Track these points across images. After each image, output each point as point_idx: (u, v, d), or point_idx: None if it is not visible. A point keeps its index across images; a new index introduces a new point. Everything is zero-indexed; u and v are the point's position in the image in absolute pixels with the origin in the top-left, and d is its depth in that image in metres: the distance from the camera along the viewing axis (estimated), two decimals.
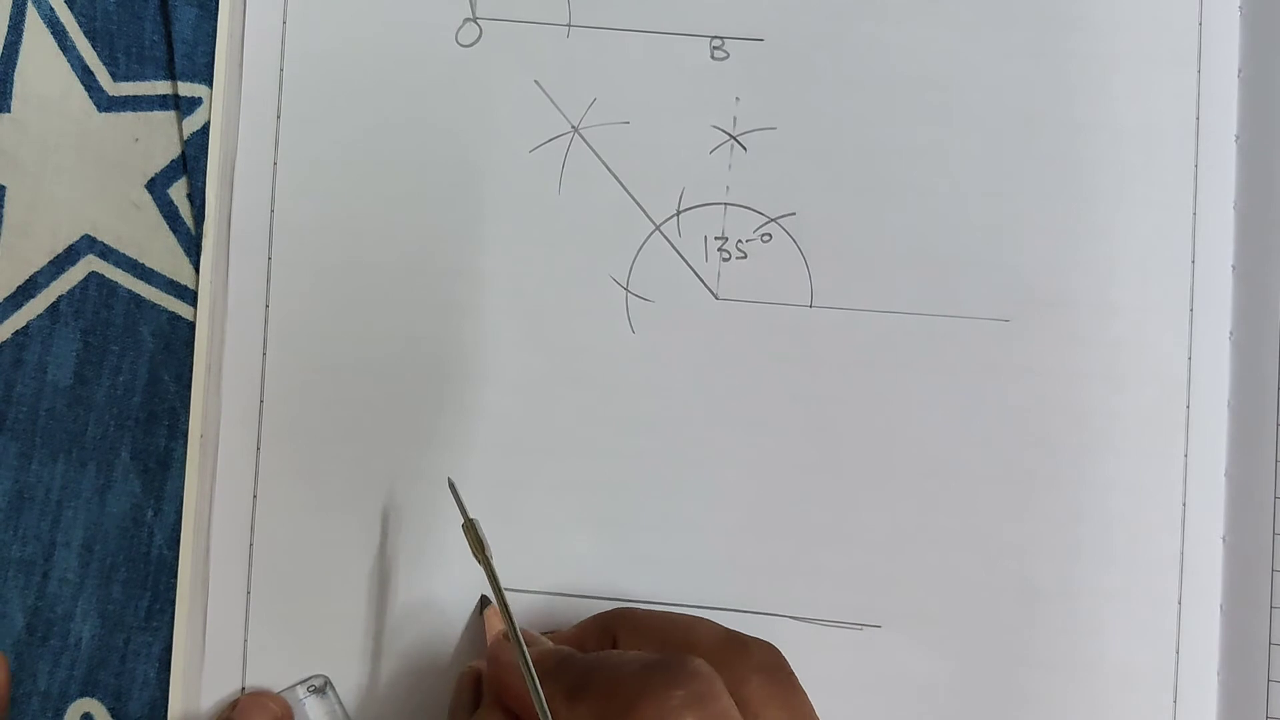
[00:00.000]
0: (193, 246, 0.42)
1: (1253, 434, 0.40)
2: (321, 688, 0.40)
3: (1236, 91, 0.41)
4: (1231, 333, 0.40)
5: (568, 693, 0.30)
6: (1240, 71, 0.41)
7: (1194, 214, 0.41)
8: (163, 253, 0.42)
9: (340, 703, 0.40)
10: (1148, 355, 0.40)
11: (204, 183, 0.41)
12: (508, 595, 0.35)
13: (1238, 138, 0.41)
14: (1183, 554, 0.40)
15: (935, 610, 0.40)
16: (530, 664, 0.31)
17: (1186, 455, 0.40)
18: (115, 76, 0.42)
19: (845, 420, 0.40)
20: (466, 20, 0.41)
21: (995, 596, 0.40)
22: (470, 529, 0.36)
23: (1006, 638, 0.40)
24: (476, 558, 0.35)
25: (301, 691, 0.40)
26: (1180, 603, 0.40)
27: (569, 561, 0.40)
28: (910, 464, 0.40)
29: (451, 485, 0.37)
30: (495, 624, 0.39)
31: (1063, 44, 0.41)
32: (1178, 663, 0.40)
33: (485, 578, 0.35)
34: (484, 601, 0.40)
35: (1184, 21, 0.41)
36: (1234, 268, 0.41)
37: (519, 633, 0.32)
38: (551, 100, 0.41)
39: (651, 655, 0.31)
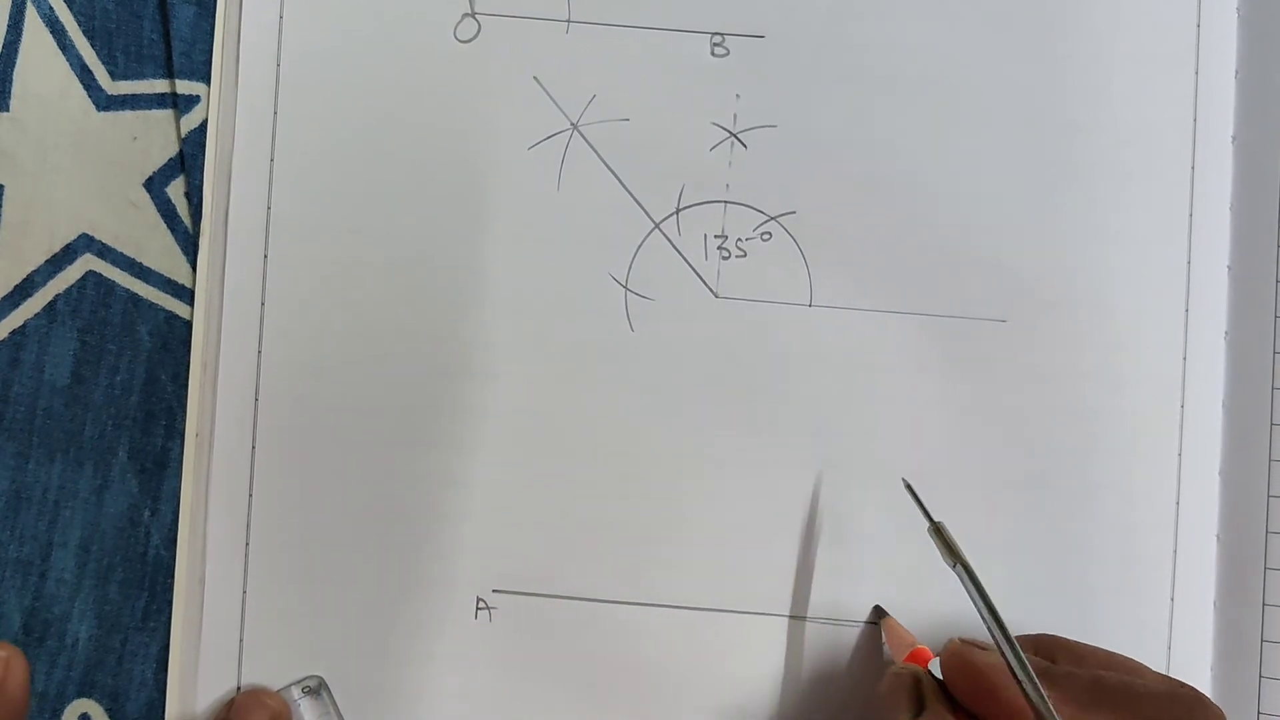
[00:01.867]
0: (190, 245, 0.42)
1: (1247, 433, 0.40)
2: (316, 689, 0.40)
3: (1234, 93, 0.41)
4: (1227, 333, 0.41)
5: (1078, 700, 0.31)
6: (1237, 73, 0.41)
7: (1190, 215, 0.41)
8: (160, 252, 0.42)
9: (334, 704, 0.40)
10: (1143, 355, 0.41)
11: (201, 180, 0.41)
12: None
13: (1234, 139, 0.41)
14: (1175, 552, 0.40)
15: (931, 608, 0.40)
16: (1031, 669, 0.31)
17: (1180, 454, 0.40)
18: (114, 75, 0.42)
19: (843, 419, 0.41)
20: (465, 16, 0.41)
21: (991, 595, 0.40)
22: (938, 532, 0.36)
23: None
24: (949, 562, 0.35)
25: (296, 692, 0.40)
26: (1173, 600, 0.40)
27: (567, 561, 0.40)
28: (906, 463, 0.40)
29: (909, 487, 0.38)
30: (899, 634, 0.39)
31: (1062, 44, 0.41)
32: (1169, 659, 0.40)
33: (961, 583, 0.34)
34: (879, 612, 0.40)
35: (1182, 23, 0.41)
36: (1229, 268, 0.41)
37: (1011, 636, 0.32)
38: (550, 97, 0.41)
39: (1173, 682, 0.32)
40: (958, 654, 0.34)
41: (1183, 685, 0.32)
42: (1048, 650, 0.35)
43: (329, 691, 0.40)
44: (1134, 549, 0.40)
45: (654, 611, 0.40)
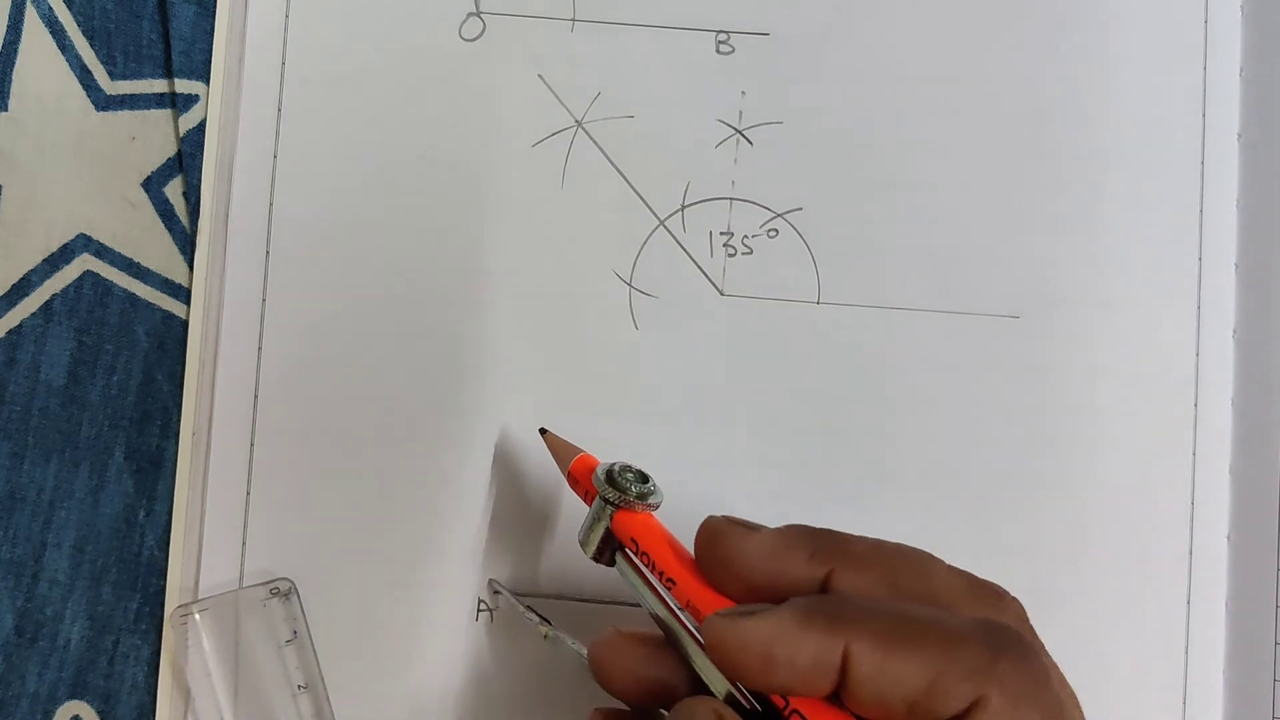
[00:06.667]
0: (188, 245, 0.41)
1: (1257, 432, 0.40)
2: (286, 592, 0.39)
3: (1239, 90, 0.41)
4: (1235, 330, 0.40)
5: (881, 644, 0.26)
6: (1242, 70, 0.41)
7: (1200, 211, 0.41)
8: (158, 251, 0.41)
9: (303, 610, 0.39)
10: (1156, 352, 0.40)
11: (199, 179, 0.41)
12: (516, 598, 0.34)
13: (1240, 135, 0.41)
14: (1191, 553, 0.40)
15: None
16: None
17: (1194, 453, 0.40)
18: (113, 75, 0.42)
19: (852, 418, 0.40)
20: (470, 15, 0.41)
21: None
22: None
23: None
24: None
25: (264, 593, 0.39)
26: (1189, 602, 0.40)
27: (569, 562, 0.40)
28: (918, 462, 0.40)
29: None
30: (561, 447, 0.37)
31: (1070, 39, 0.41)
32: (1187, 663, 0.39)
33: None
34: (542, 432, 0.38)
35: (1190, 18, 0.41)
36: (1236, 266, 0.41)
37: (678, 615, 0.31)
38: (555, 95, 0.41)
39: (987, 620, 0.27)
40: (708, 528, 0.31)
41: (995, 623, 0.27)
42: (825, 557, 0.29)
43: (299, 596, 0.39)
44: (1148, 549, 0.40)
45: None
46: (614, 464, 0.34)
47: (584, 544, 0.34)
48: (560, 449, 0.37)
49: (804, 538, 0.30)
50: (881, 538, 0.30)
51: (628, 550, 0.33)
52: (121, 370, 0.41)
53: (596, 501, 0.34)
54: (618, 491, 0.33)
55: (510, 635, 0.40)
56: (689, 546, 0.32)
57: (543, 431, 0.38)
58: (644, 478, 0.34)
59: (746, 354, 0.40)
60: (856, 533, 0.30)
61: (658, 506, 0.33)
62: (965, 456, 0.40)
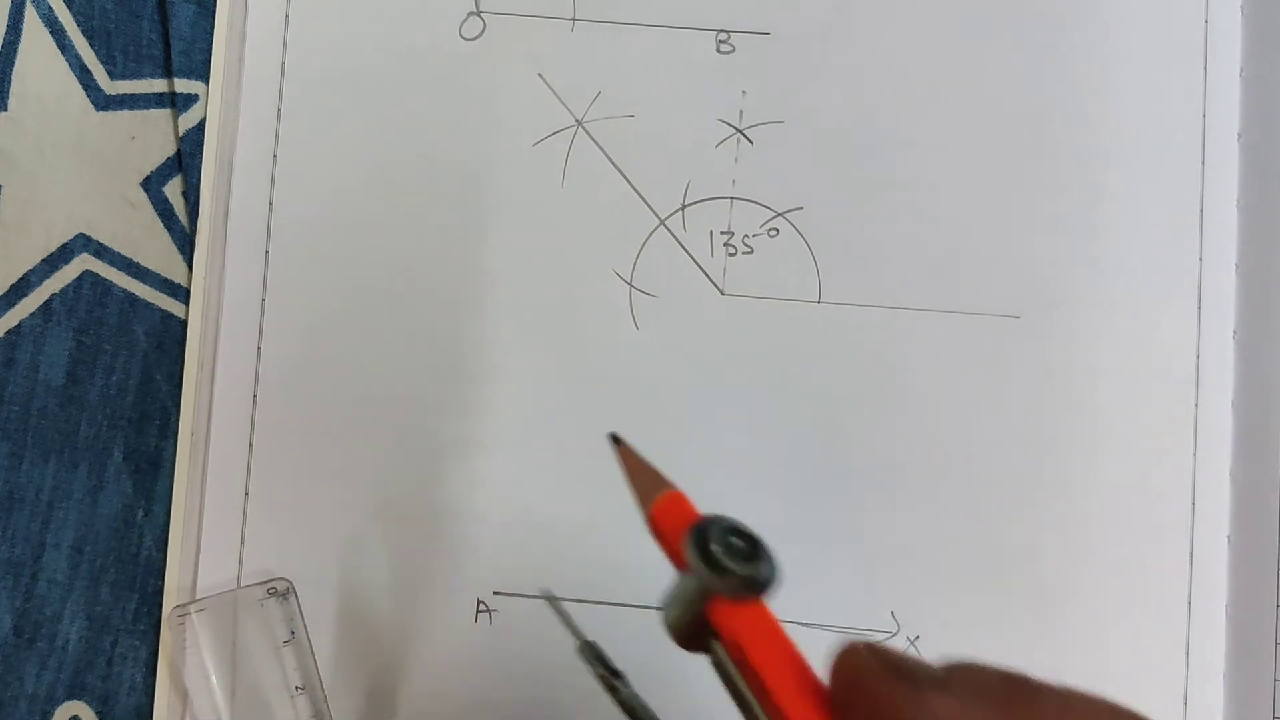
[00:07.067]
0: (187, 245, 0.41)
1: (1257, 433, 0.40)
2: (284, 592, 0.39)
3: (1239, 89, 0.41)
4: (1235, 330, 0.40)
5: None
6: (1242, 70, 0.41)
7: (1200, 211, 0.41)
8: (157, 251, 0.41)
9: (301, 610, 0.39)
10: (1156, 352, 0.40)
11: (199, 179, 0.41)
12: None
13: (1240, 136, 0.41)
14: (1191, 554, 0.40)
15: (944, 612, 0.39)
16: None
17: (1195, 454, 0.40)
18: (113, 75, 0.42)
19: (853, 418, 0.40)
20: (470, 14, 0.41)
21: (1004, 598, 0.39)
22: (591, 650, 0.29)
23: (1015, 640, 0.39)
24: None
25: (262, 593, 0.39)
26: (1189, 603, 0.39)
27: (569, 564, 0.40)
28: (919, 462, 0.40)
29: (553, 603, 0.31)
30: (643, 469, 0.28)
31: (1070, 39, 0.41)
32: (1187, 663, 0.39)
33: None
34: (615, 440, 0.30)
35: (1190, 18, 0.41)
36: (1237, 266, 0.41)
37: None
38: (555, 94, 0.41)
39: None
40: (854, 672, 0.22)
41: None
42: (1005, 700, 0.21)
43: (296, 596, 0.39)
44: (1148, 550, 0.40)
45: (658, 615, 0.39)
46: (713, 523, 0.25)
47: (669, 626, 0.25)
48: (639, 475, 0.28)
49: (991, 703, 0.21)
50: (1070, 686, 0.22)
51: (726, 651, 0.24)
52: (120, 370, 0.41)
53: (690, 580, 0.25)
54: (718, 576, 0.24)
55: (510, 636, 0.40)
56: None
57: (615, 441, 0.30)
58: (754, 547, 0.25)
59: (747, 354, 0.40)
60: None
61: (770, 589, 0.25)
62: (965, 456, 0.40)
